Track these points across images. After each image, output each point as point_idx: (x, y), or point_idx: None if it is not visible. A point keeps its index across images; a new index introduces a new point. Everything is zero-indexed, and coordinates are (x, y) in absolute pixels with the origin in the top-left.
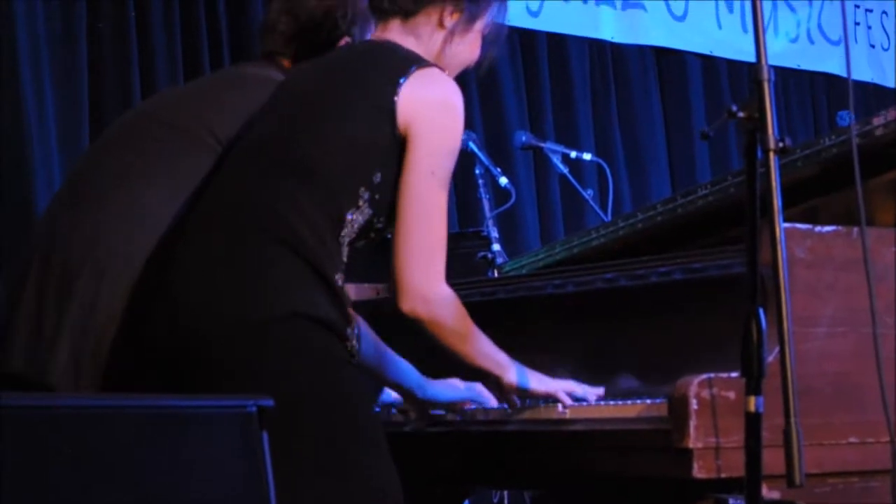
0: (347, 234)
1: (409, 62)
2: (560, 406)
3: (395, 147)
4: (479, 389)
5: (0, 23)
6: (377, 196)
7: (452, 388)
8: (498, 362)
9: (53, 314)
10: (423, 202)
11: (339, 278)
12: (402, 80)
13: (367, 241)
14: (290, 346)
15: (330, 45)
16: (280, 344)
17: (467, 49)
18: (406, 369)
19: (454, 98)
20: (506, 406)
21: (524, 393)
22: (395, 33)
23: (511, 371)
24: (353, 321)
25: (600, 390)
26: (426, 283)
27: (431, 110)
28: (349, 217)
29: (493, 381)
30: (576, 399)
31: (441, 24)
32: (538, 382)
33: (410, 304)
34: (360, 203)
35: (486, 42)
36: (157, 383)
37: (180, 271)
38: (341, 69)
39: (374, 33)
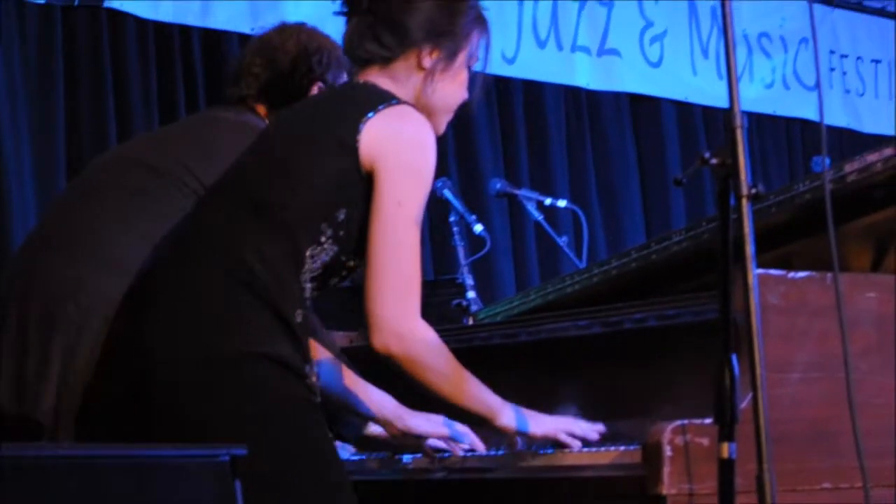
0: (309, 270)
1: (379, 100)
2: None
3: (361, 184)
4: (460, 428)
5: None
6: (342, 233)
7: (432, 422)
8: (488, 404)
9: (37, 357)
10: (392, 236)
11: (298, 314)
12: (368, 117)
13: (340, 279)
14: (246, 386)
15: (303, 90)
16: (236, 385)
17: (452, 85)
18: (381, 400)
19: (421, 133)
20: (479, 452)
21: (522, 436)
22: (374, 77)
23: (504, 413)
24: (311, 359)
25: (600, 426)
26: (399, 319)
27: (396, 145)
28: (309, 253)
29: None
30: (577, 438)
31: (420, 66)
32: (536, 424)
33: (383, 340)
34: (322, 240)
35: (474, 76)
36: (126, 427)
37: (144, 313)
38: (313, 109)
39: (355, 78)
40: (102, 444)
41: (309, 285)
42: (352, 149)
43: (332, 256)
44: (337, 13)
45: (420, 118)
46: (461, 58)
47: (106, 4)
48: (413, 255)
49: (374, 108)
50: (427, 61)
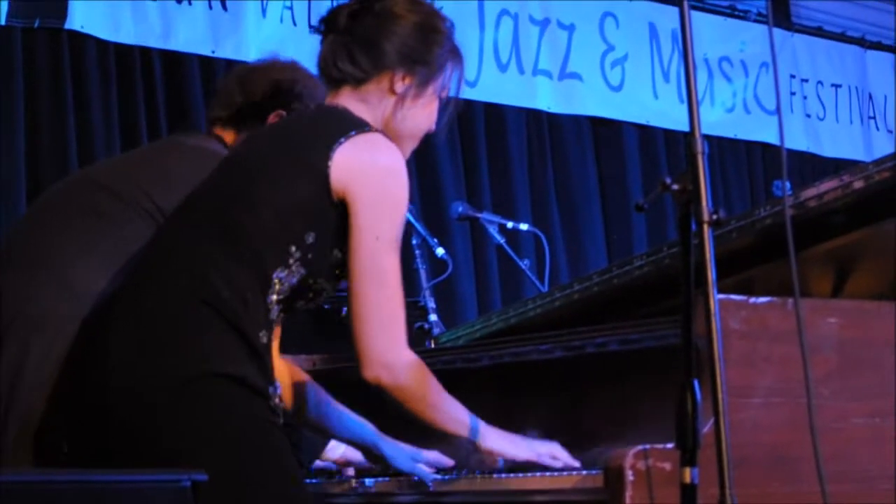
0: (276, 292)
1: (349, 127)
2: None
3: (331, 210)
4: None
5: None
6: (310, 256)
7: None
8: (472, 428)
9: None
10: (372, 268)
11: (263, 335)
12: (338, 143)
13: (307, 302)
14: (208, 407)
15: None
16: (197, 405)
17: (422, 113)
18: (356, 426)
19: (392, 161)
20: (442, 476)
21: (503, 458)
22: (346, 99)
23: (486, 436)
24: (275, 380)
25: (576, 463)
26: (386, 351)
27: (368, 175)
28: (277, 276)
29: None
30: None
31: (392, 90)
32: (516, 448)
33: (373, 372)
34: (290, 262)
35: (444, 106)
36: (84, 452)
37: (103, 336)
38: (283, 132)
39: (327, 99)
40: (58, 468)
41: (276, 308)
42: (322, 174)
43: (300, 279)
44: (313, 31)
45: (392, 146)
46: (433, 87)
47: (67, 26)
48: (395, 285)
49: (346, 135)
50: (399, 86)
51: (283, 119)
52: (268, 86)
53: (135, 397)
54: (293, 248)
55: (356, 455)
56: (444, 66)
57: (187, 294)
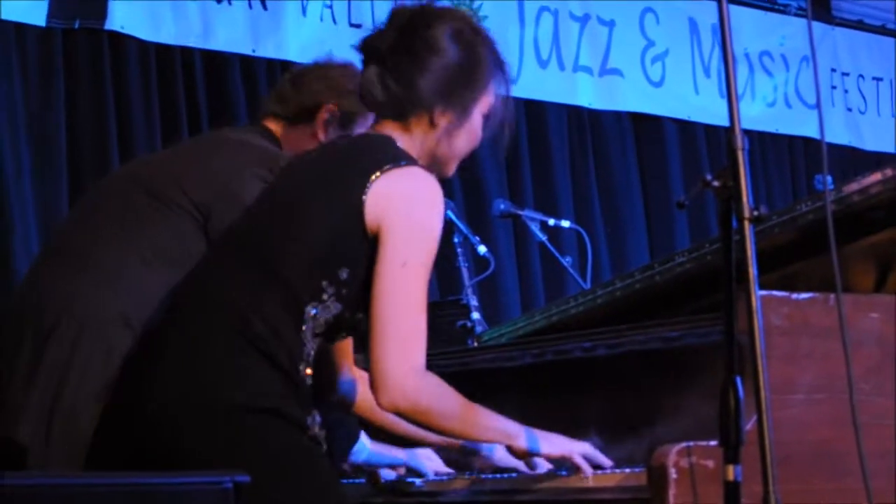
0: (311, 328)
1: (386, 160)
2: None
3: (365, 244)
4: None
5: None
6: (344, 291)
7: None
8: (503, 431)
9: (26, 370)
10: (395, 293)
11: (301, 368)
12: (374, 178)
13: (349, 333)
14: (249, 439)
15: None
16: (238, 437)
17: (465, 138)
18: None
19: (425, 190)
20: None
21: (536, 457)
22: (390, 128)
23: (519, 437)
24: (314, 411)
25: (608, 462)
26: (402, 377)
27: (399, 204)
28: (311, 312)
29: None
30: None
31: (433, 125)
32: (551, 445)
33: (389, 398)
34: (324, 297)
35: (495, 118)
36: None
37: (149, 369)
38: (321, 165)
39: (374, 126)
40: (102, 471)
41: (313, 342)
42: (357, 210)
43: (336, 314)
44: (353, 47)
45: (426, 177)
46: (475, 110)
47: (107, 27)
48: (418, 312)
49: (381, 169)
50: (440, 121)
51: (323, 148)
52: (320, 83)
53: (177, 424)
54: (325, 284)
55: (381, 460)
56: (486, 87)
57: (226, 327)
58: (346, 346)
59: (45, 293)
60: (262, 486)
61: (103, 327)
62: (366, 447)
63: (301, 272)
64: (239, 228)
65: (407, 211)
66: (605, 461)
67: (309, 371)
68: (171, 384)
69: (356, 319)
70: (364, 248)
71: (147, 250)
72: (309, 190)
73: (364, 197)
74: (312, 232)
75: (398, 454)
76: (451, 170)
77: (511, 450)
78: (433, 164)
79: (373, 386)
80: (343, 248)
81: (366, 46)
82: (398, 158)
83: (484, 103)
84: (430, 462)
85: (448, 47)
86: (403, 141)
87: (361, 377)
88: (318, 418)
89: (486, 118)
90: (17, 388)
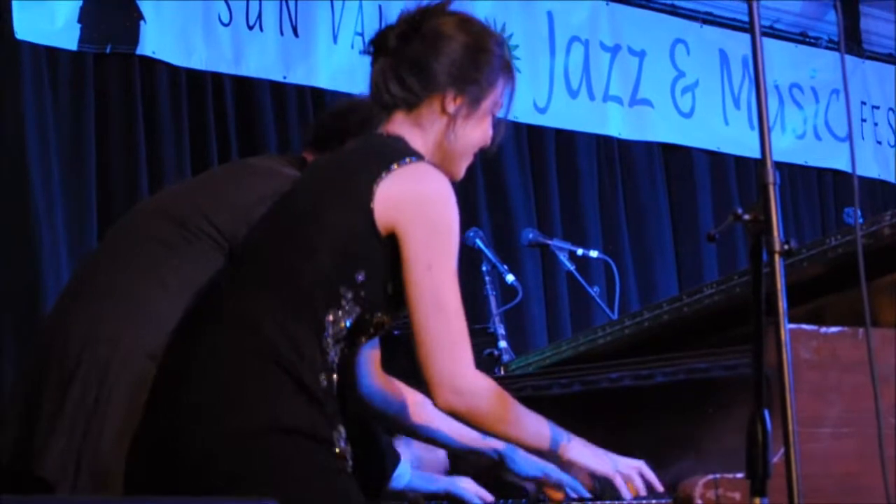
0: (332, 335)
1: (390, 159)
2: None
3: (380, 247)
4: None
5: (9, 120)
6: (363, 293)
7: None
8: (553, 439)
9: (51, 406)
10: (429, 298)
11: (322, 379)
12: (380, 179)
13: (371, 337)
14: (275, 462)
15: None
16: (264, 459)
17: (475, 131)
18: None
19: (436, 188)
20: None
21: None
22: (399, 125)
23: (569, 447)
24: (339, 425)
25: (659, 486)
26: (454, 377)
27: (412, 206)
28: (330, 318)
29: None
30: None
31: (444, 111)
32: (598, 462)
33: (445, 399)
34: (343, 303)
35: (496, 122)
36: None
37: (171, 394)
38: (329, 171)
39: (381, 125)
40: (132, 497)
41: (336, 347)
42: (367, 211)
43: (357, 317)
44: (363, 52)
45: (435, 174)
46: (485, 105)
47: (138, 52)
48: (455, 311)
49: (387, 168)
50: (451, 107)
51: (332, 154)
52: (359, 116)
53: (202, 450)
54: (343, 289)
55: (422, 486)
56: (495, 83)
57: (248, 347)
58: (370, 353)
59: (71, 328)
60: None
61: (129, 362)
62: (407, 472)
63: (318, 282)
64: (253, 241)
65: (421, 212)
66: (657, 484)
67: (335, 377)
68: (199, 412)
69: (377, 321)
70: (379, 249)
71: (173, 280)
72: (318, 197)
73: (372, 198)
74: (326, 239)
75: (440, 481)
76: (461, 170)
77: (560, 459)
78: (443, 161)
79: (429, 390)
80: (357, 251)
81: (374, 42)
82: (404, 155)
83: (493, 97)
84: (471, 487)
85: (458, 33)
86: (413, 137)
87: (388, 382)
88: (342, 432)
89: (496, 121)
90: (43, 425)
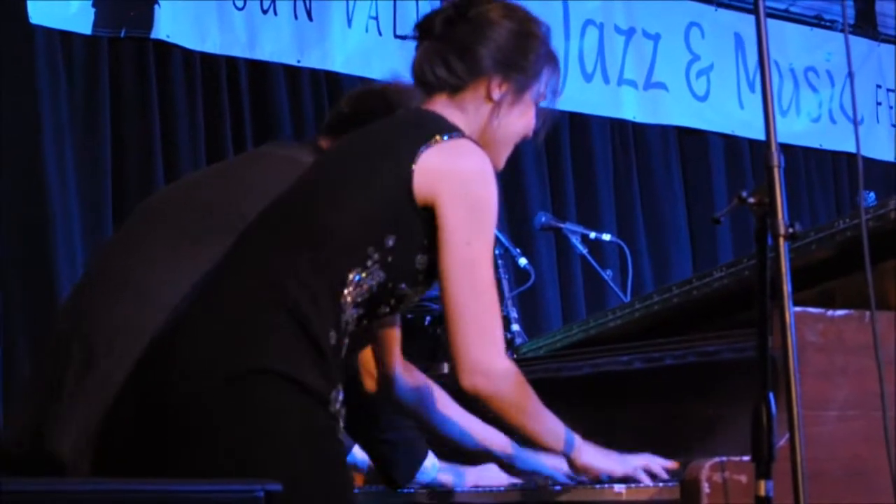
0: (352, 294)
1: (436, 131)
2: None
3: (414, 215)
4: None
5: (24, 105)
6: (390, 259)
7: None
8: (566, 441)
9: (69, 393)
10: (466, 275)
11: (332, 336)
12: (424, 148)
13: (391, 309)
14: (263, 406)
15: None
16: (253, 402)
17: (519, 120)
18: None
19: (479, 166)
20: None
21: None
22: (442, 106)
23: (581, 451)
24: (339, 384)
25: (673, 464)
26: (484, 359)
27: (454, 181)
28: (354, 278)
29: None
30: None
31: (489, 97)
32: (611, 463)
33: (471, 381)
34: (368, 264)
35: (541, 112)
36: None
37: (174, 334)
38: (372, 136)
39: (421, 105)
40: (124, 478)
41: (353, 311)
42: (405, 178)
43: (380, 282)
44: (408, 38)
45: (478, 151)
46: (530, 93)
47: (153, 36)
48: (490, 291)
49: (431, 138)
50: (496, 93)
51: (374, 123)
52: (377, 102)
53: (193, 395)
54: (371, 250)
55: (447, 478)
56: (540, 72)
57: (255, 295)
58: (393, 335)
59: (90, 318)
60: (276, 465)
61: (140, 335)
62: (434, 466)
63: (346, 237)
64: (279, 200)
65: (464, 189)
66: (664, 474)
67: (345, 341)
68: (192, 354)
69: (400, 292)
70: (414, 218)
71: (196, 270)
72: (358, 158)
73: (413, 166)
74: (359, 198)
75: (469, 472)
76: (502, 159)
77: (572, 464)
78: (485, 149)
79: (455, 369)
80: (390, 215)
81: (420, 27)
82: (449, 129)
83: (538, 87)
84: (500, 477)
85: (505, 19)
86: (455, 119)
87: (407, 367)
88: (341, 394)
89: (538, 111)
90: (59, 407)
